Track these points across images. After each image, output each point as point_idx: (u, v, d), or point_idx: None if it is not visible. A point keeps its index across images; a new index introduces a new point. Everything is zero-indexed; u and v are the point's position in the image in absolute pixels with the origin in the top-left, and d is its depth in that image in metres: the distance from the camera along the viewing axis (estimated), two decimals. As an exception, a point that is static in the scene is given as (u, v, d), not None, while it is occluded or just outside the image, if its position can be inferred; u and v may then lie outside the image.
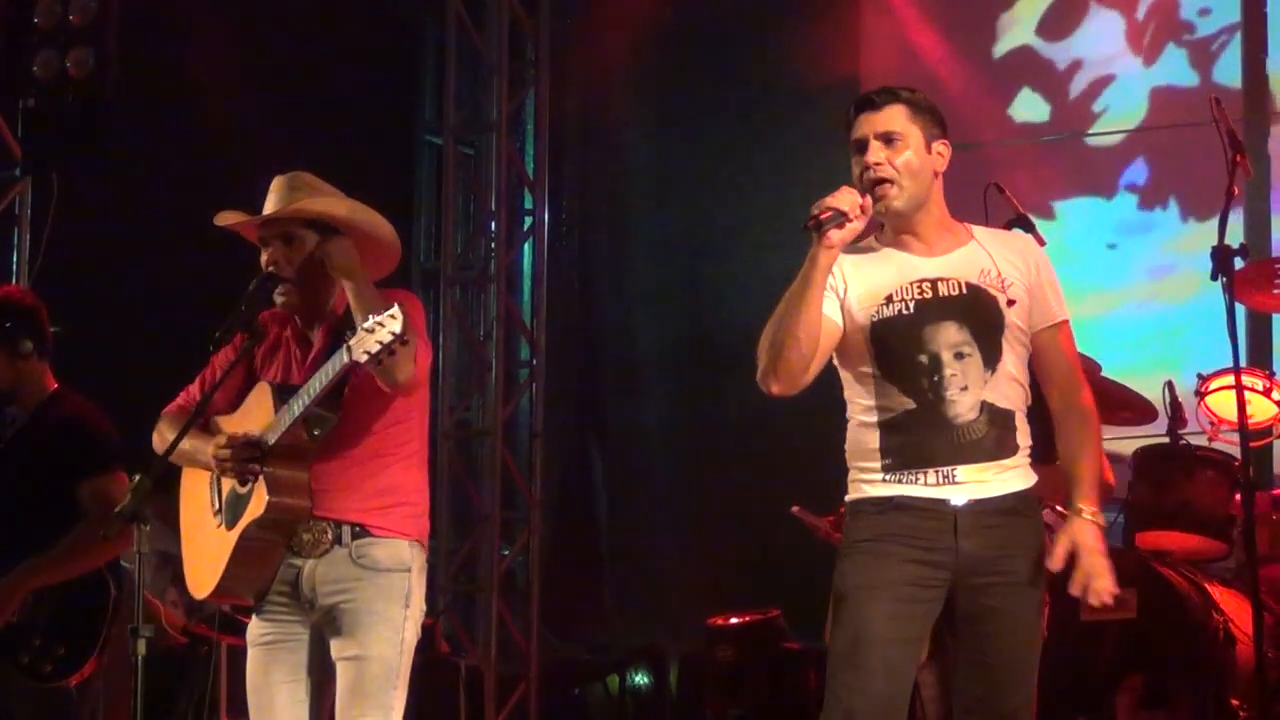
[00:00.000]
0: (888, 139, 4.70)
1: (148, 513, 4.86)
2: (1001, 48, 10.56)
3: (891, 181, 4.67)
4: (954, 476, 4.63)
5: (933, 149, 4.75)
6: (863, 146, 4.71)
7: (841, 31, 10.45)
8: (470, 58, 10.89)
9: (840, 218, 4.54)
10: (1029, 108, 10.47)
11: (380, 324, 4.68)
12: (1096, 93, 10.27)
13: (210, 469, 5.13)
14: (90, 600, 6.03)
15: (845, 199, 4.57)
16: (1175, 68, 10.09)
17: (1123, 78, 10.20)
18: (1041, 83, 10.44)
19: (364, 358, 4.70)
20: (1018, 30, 10.54)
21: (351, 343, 4.71)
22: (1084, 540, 4.63)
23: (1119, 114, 10.22)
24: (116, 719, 6.61)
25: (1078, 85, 10.32)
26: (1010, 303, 4.69)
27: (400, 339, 4.69)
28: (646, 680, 9.96)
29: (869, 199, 4.61)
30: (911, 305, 4.68)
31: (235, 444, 5.00)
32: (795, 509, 7.55)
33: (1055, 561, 4.63)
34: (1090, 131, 10.28)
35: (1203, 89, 9.60)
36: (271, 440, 4.96)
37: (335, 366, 4.81)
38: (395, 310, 4.70)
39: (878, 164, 4.67)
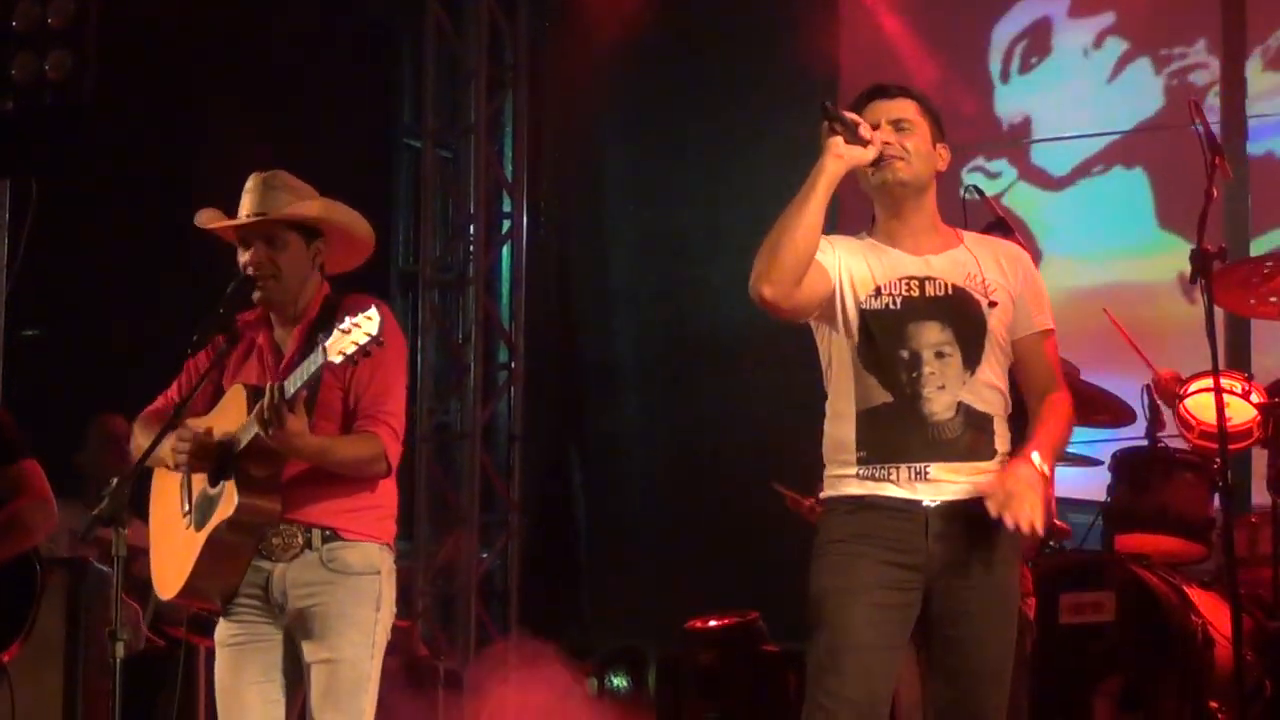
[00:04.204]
0: (898, 125, 4.75)
1: (124, 515, 4.82)
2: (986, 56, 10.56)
3: (900, 158, 4.71)
4: (926, 473, 4.63)
5: (936, 147, 4.81)
6: (874, 128, 4.74)
7: (820, 37, 10.44)
8: (449, 61, 10.90)
9: (853, 128, 4.60)
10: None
11: (356, 325, 4.62)
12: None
13: (166, 465, 5.10)
14: (17, 582, 6.05)
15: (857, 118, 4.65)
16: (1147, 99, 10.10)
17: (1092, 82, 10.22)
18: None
19: (339, 358, 4.63)
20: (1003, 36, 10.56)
21: (326, 344, 4.63)
22: (1015, 470, 4.53)
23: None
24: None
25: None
26: (992, 305, 4.71)
27: (376, 340, 4.63)
28: (625, 683, 9.93)
29: (875, 133, 4.66)
30: (899, 301, 4.70)
31: (194, 439, 4.97)
32: (777, 485, 7.55)
33: (992, 506, 4.50)
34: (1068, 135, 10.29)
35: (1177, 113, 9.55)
36: (244, 441, 4.91)
37: (310, 369, 4.72)
38: (372, 311, 4.65)
39: (888, 142, 4.70)
